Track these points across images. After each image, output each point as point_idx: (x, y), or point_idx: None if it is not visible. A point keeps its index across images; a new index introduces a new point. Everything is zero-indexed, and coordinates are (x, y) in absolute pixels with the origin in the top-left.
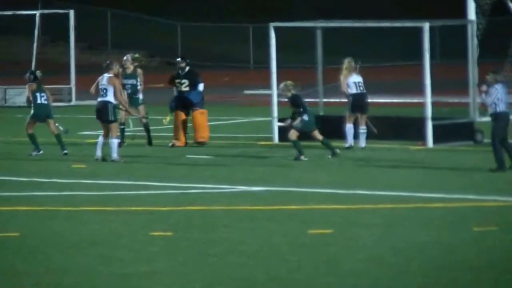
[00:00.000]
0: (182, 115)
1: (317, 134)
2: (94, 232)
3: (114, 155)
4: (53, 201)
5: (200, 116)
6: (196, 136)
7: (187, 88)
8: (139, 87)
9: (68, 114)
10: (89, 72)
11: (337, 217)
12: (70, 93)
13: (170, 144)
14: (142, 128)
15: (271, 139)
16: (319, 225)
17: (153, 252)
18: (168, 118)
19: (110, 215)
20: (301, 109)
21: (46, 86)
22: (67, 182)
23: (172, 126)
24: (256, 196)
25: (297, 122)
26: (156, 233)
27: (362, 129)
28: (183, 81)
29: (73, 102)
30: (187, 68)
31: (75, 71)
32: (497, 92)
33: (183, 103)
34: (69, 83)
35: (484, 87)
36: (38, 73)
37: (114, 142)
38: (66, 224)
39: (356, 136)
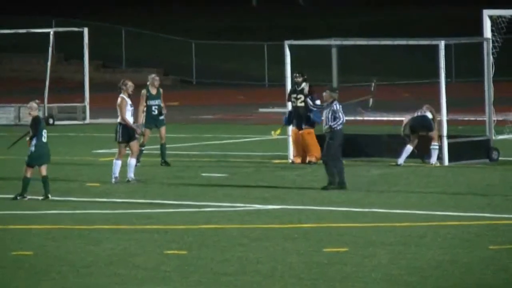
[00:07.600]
0: (297, 132)
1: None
2: (108, 251)
3: (130, 174)
4: (67, 219)
5: (309, 135)
6: (307, 155)
7: (303, 104)
8: (163, 107)
9: (83, 132)
10: (103, 90)
11: (352, 236)
12: (84, 112)
13: (290, 161)
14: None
15: (286, 157)
16: (334, 243)
17: (167, 271)
18: (278, 131)
19: (125, 234)
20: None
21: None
22: (82, 200)
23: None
24: (271, 215)
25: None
26: (170, 252)
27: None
28: (299, 96)
29: (87, 121)
30: (303, 84)
31: (89, 89)
32: (340, 110)
33: (298, 119)
34: (83, 101)
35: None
36: None
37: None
38: (80, 243)
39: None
